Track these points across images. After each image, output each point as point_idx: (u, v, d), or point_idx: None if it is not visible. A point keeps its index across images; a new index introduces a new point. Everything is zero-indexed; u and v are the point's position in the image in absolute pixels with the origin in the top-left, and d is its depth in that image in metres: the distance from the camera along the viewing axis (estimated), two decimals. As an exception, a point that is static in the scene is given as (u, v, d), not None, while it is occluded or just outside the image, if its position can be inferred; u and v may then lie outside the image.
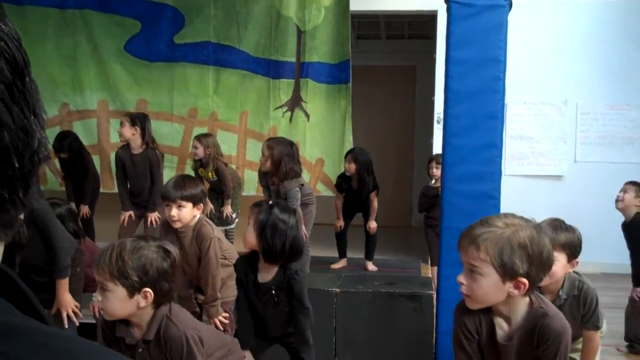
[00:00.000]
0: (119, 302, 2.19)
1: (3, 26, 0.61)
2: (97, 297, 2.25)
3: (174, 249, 2.32)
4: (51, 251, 3.27)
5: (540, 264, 1.94)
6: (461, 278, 2.00)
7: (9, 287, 0.61)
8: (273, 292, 2.93)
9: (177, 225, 3.53)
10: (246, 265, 2.99)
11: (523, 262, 1.91)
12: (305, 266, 4.92)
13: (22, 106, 0.61)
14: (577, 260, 2.80)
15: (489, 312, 2.05)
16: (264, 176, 5.09)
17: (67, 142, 5.77)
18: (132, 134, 5.18)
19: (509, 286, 1.94)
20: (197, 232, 3.56)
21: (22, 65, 0.61)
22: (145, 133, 5.23)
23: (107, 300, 2.20)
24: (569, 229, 2.81)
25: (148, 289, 2.19)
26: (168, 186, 3.55)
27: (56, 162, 6.01)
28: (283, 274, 2.93)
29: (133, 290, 2.18)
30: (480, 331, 2.07)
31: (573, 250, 2.77)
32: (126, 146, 5.28)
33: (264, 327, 3.04)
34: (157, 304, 2.25)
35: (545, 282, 2.89)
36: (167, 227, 3.65)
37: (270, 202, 3.00)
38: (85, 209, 5.82)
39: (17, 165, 0.60)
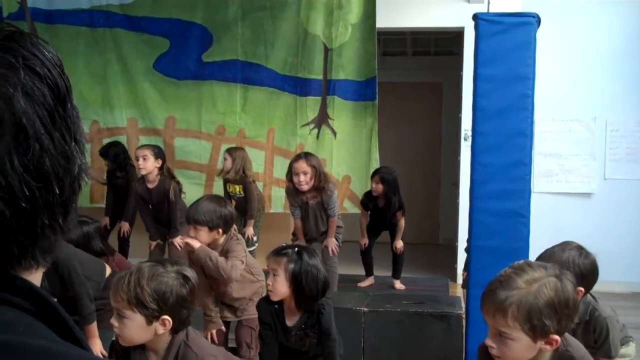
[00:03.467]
0: (136, 329, 2.14)
1: (46, 52, 0.61)
2: (113, 322, 2.19)
3: (192, 274, 2.25)
4: (74, 298, 3.20)
5: (568, 315, 1.89)
6: (490, 342, 1.93)
7: (48, 313, 0.62)
8: (305, 332, 2.91)
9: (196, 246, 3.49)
10: (272, 308, 2.94)
11: (552, 320, 1.85)
12: (333, 285, 4.90)
13: (63, 132, 0.61)
14: (581, 288, 2.66)
15: None
16: (296, 194, 4.99)
17: (113, 152, 5.81)
18: (156, 167, 5.23)
19: (541, 344, 1.89)
20: (227, 249, 3.54)
21: (64, 91, 0.62)
22: (164, 165, 5.31)
23: (124, 327, 2.15)
24: (582, 255, 2.70)
25: (167, 317, 2.13)
26: (190, 208, 3.57)
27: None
28: (310, 313, 2.90)
29: (151, 318, 2.12)
30: None
31: (579, 277, 2.69)
32: (142, 180, 5.32)
33: (292, 353, 3.02)
34: (174, 330, 2.19)
35: None
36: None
37: (297, 248, 2.93)
38: (125, 227, 5.86)
39: (57, 192, 0.61)
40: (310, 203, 4.97)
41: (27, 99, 0.59)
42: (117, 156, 5.82)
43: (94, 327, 3.21)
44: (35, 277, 0.64)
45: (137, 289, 2.10)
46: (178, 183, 5.38)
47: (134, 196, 5.43)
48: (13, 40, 0.61)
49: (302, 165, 4.81)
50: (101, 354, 3.22)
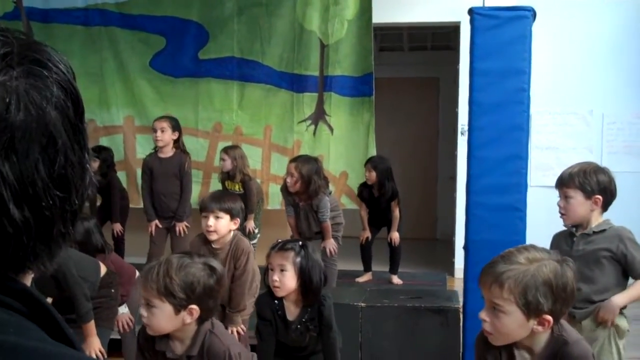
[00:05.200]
0: (165, 318, 2.21)
1: (67, 65, 0.64)
2: (141, 312, 2.26)
3: (219, 266, 2.34)
4: (71, 298, 3.17)
5: (564, 300, 1.90)
6: (483, 315, 1.95)
7: (40, 314, 0.62)
8: (306, 325, 2.92)
9: (213, 237, 3.48)
10: (272, 302, 2.95)
11: (547, 300, 1.87)
12: (332, 281, 4.91)
13: (80, 144, 0.64)
14: (598, 197, 2.89)
15: (510, 343, 2.02)
16: (288, 194, 5.06)
17: (103, 156, 5.79)
18: (172, 139, 5.23)
19: (533, 323, 1.90)
20: (235, 247, 3.54)
21: (82, 105, 0.65)
22: (180, 137, 5.30)
23: (153, 317, 2.22)
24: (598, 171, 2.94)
25: (194, 306, 2.20)
26: (207, 197, 3.55)
27: None
28: (310, 306, 2.92)
29: (179, 307, 2.20)
30: None
31: (589, 189, 2.87)
32: (154, 153, 5.32)
33: (289, 349, 3.03)
34: (201, 319, 2.27)
35: (566, 221, 2.98)
36: (200, 244, 3.60)
37: (300, 242, 2.96)
38: (117, 227, 5.85)
39: (75, 201, 0.64)
40: (301, 204, 5.00)
41: (56, 111, 0.61)
42: (104, 161, 5.77)
43: (91, 326, 3.22)
44: (27, 279, 0.65)
45: (166, 279, 2.18)
46: (190, 159, 5.38)
47: (143, 169, 5.39)
48: (37, 51, 0.63)
49: (291, 167, 4.90)
50: (100, 351, 3.23)
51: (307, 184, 4.83)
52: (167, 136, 5.20)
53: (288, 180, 4.91)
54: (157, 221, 5.29)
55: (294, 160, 5.02)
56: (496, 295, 1.90)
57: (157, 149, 5.28)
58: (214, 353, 2.26)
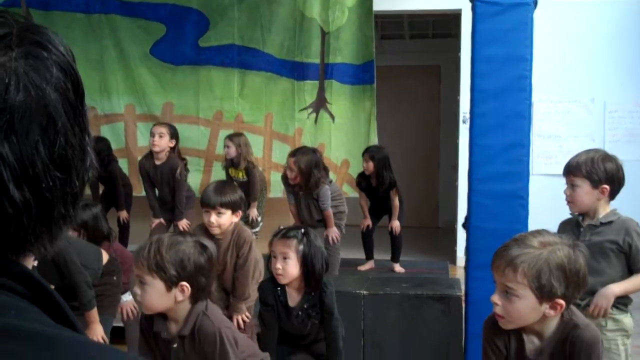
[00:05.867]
0: (156, 295, 2.24)
1: (66, 48, 0.64)
2: (135, 290, 2.30)
3: (210, 244, 2.36)
4: (74, 286, 3.19)
5: (576, 284, 1.91)
6: (495, 298, 1.96)
7: (42, 297, 0.62)
8: (307, 312, 2.92)
9: (216, 231, 3.46)
10: (274, 289, 2.96)
11: (561, 284, 1.88)
12: (334, 269, 4.92)
13: (81, 126, 0.64)
14: (605, 186, 2.84)
15: (519, 328, 2.02)
16: (287, 183, 5.09)
17: (99, 146, 5.76)
18: (169, 146, 5.25)
19: (545, 307, 1.91)
20: (237, 236, 3.54)
21: (82, 87, 0.65)
22: (177, 146, 5.32)
23: (145, 294, 2.25)
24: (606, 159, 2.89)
25: (185, 283, 2.23)
26: (208, 192, 3.49)
27: None
28: (312, 293, 2.92)
29: (171, 284, 2.23)
30: (509, 346, 2.04)
31: (596, 179, 2.83)
32: (149, 155, 5.32)
33: (292, 337, 3.03)
34: (194, 299, 2.29)
35: (573, 209, 2.96)
36: (201, 234, 3.51)
37: (302, 229, 2.96)
38: (123, 214, 5.85)
39: (76, 183, 0.64)
40: (301, 193, 5.02)
41: (56, 93, 0.61)
42: (100, 152, 5.73)
43: (94, 313, 3.23)
44: (28, 262, 0.64)
45: (157, 256, 2.22)
46: (185, 166, 5.39)
47: (140, 171, 5.42)
48: (37, 33, 0.63)
49: (290, 162, 4.92)
50: (102, 339, 3.24)
51: (307, 178, 4.84)
52: (164, 142, 5.20)
53: (288, 173, 4.94)
54: (161, 219, 5.34)
55: (292, 154, 5.01)
56: (509, 279, 1.91)
57: (152, 154, 5.29)
58: (205, 333, 2.28)
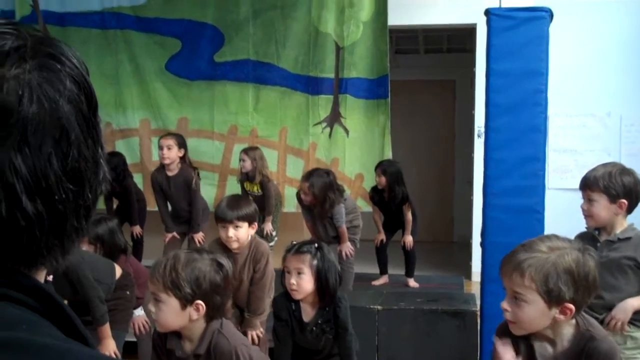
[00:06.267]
0: (171, 313, 2.21)
1: (81, 61, 0.64)
2: (149, 307, 2.27)
3: (227, 263, 2.33)
4: (86, 301, 3.18)
5: (586, 288, 1.88)
6: (505, 305, 1.94)
7: (53, 311, 0.61)
8: (321, 327, 2.91)
9: (235, 246, 3.43)
10: (288, 304, 2.95)
11: (569, 288, 1.85)
12: (348, 284, 4.90)
13: (94, 139, 0.64)
14: (623, 200, 2.80)
15: (528, 335, 2.00)
16: (303, 205, 5.12)
17: (115, 161, 5.79)
18: (178, 156, 5.22)
19: (555, 312, 1.88)
20: (255, 250, 3.52)
21: (95, 100, 0.65)
22: (186, 154, 5.29)
23: (160, 312, 2.22)
24: (624, 173, 2.85)
25: (200, 302, 2.20)
26: (223, 207, 3.45)
27: None
28: (326, 307, 2.91)
29: (186, 302, 2.19)
30: (519, 355, 2.02)
31: (614, 194, 2.79)
32: (161, 168, 5.31)
33: (306, 352, 3.01)
34: (209, 317, 2.26)
35: (590, 223, 2.92)
36: (218, 249, 3.49)
37: (316, 244, 2.95)
38: (137, 229, 5.85)
39: (89, 196, 0.64)
40: (315, 211, 5.03)
41: (69, 105, 0.61)
42: (116, 167, 5.75)
43: (107, 328, 3.22)
44: (40, 275, 0.64)
45: (172, 273, 2.19)
46: (198, 174, 5.38)
47: (152, 185, 5.40)
48: (51, 46, 0.64)
49: (304, 187, 4.94)
50: (114, 354, 3.22)
51: (321, 202, 4.87)
52: (173, 154, 5.18)
53: (302, 197, 4.97)
54: (174, 233, 5.32)
55: (306, 178, 5.00)
56: (517, 284, 1.89)
57: (163, 166, 5.27)
58: (221, 351, 2.24)
